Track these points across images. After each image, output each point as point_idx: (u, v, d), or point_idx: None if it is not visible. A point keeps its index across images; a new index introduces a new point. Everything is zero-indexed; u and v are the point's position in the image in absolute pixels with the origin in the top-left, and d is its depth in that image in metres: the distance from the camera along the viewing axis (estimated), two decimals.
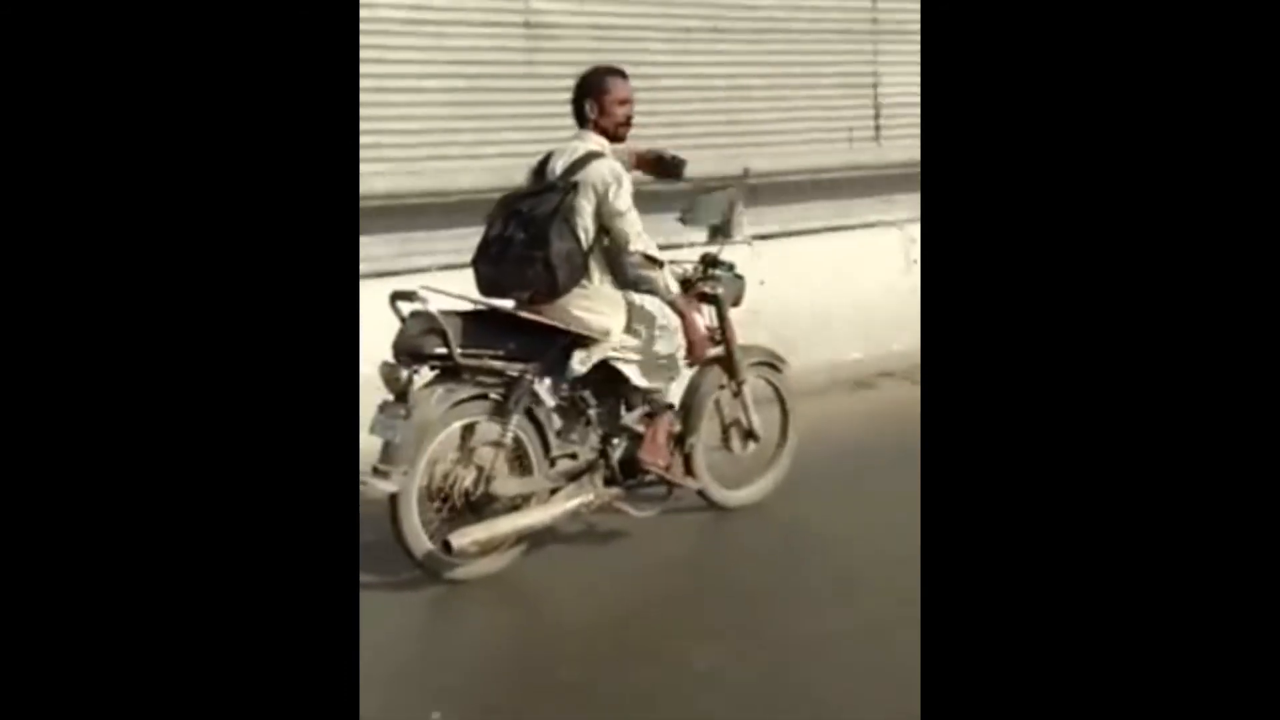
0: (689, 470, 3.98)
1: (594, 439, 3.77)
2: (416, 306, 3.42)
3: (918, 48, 5.41)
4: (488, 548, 3.51)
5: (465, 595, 3.52)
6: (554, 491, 3.67)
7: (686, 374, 3.90)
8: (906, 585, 2.36)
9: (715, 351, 4.02)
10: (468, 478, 3.50)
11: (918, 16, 5.44)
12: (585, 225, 3.60)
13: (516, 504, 3.57)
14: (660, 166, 4.06)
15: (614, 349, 3.68)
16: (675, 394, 3.85)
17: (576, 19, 5.42)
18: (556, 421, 3.67)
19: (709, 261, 4.08)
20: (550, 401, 3.62)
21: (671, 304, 3.76)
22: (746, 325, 4.33)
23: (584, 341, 3.64)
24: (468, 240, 3.85)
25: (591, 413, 3.75)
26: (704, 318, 3.96)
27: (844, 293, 6.05)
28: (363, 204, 4.09)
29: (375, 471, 3.34)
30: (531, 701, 2.91)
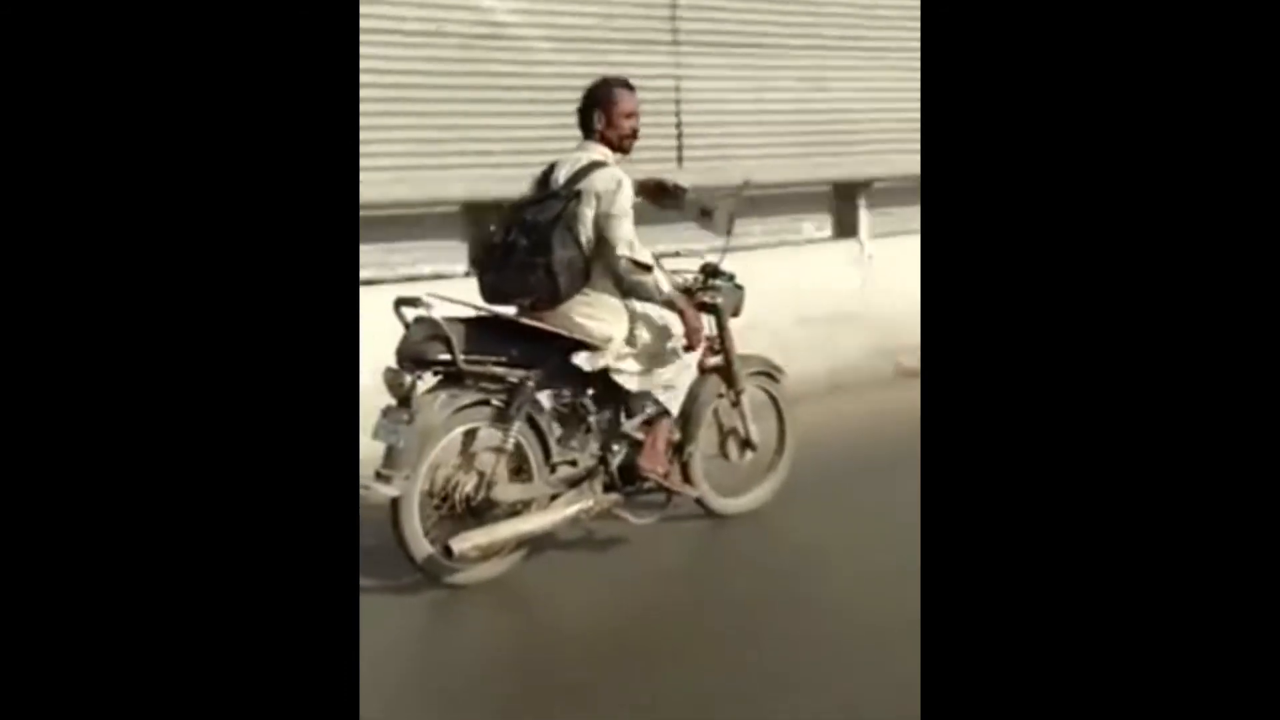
0: (687, 478, 4.00)
1: (594, 446, 3.77)
2: (420, 312, 3.43)
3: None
4: (488, 553, 3.52)
5: (465, 600, 3.53)
6: (554, 497, 3.68)
7: (688, 373, 3.90)
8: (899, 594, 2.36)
9: (714, 361, 4.03)
10: (469, 483, 3.51)
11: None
12: (587, 233, 3.61)
13: (517, 509, 3.59)
14: (661, 194, 4.07)
15: (615, 358, 3.69)
16: (675, 402, 3.86)
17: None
18: (557, 428, 3.69)
19: (709, 271, 4.09)
20: (550, 407, 3.63)
21: (666, 302, 3.75)
22: None
23: (586, 349, 3.65)
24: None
25: (591, 420, 3.76)
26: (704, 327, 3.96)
27: None
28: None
29: (377, 476, 3.35)
30: (531, 706, 2.91)
